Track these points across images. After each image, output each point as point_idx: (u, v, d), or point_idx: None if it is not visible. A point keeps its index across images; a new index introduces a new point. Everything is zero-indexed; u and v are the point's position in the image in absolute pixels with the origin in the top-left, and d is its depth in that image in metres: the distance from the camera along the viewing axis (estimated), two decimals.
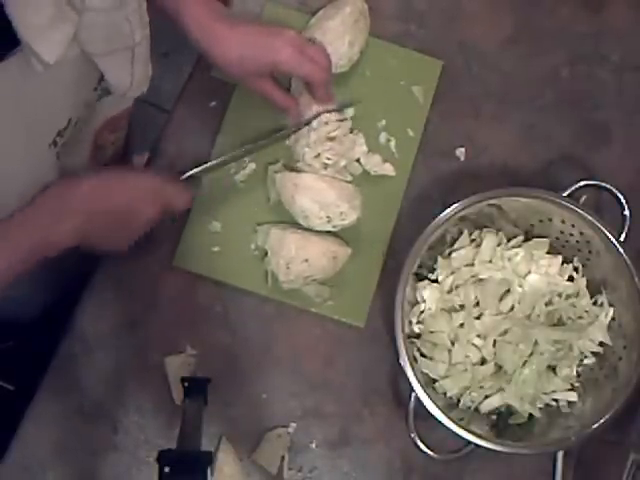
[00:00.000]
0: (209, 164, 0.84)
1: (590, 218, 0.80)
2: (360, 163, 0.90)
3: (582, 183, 0.84)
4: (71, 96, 0.67)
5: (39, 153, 0.67)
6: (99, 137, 0.80)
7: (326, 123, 0.86)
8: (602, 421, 0.77)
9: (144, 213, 0.75)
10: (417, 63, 0.94)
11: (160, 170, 0.87)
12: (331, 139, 0.86)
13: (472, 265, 0.85)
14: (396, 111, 0.92)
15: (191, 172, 0.82)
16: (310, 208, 0.83)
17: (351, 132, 0.89)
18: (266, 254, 0.86)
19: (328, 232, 0.86)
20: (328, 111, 0.86)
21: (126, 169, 0.75)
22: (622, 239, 0.81)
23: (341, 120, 0.87)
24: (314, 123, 0.86)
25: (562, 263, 0.86)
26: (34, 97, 0.61)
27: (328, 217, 0.84)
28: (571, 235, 0.84)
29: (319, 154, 0.85)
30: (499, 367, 0.83)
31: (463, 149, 0.93)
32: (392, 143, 0.91)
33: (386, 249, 0.89)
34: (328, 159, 0.85)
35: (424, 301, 0.84)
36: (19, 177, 0.66)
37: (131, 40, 0.67)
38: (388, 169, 0.90)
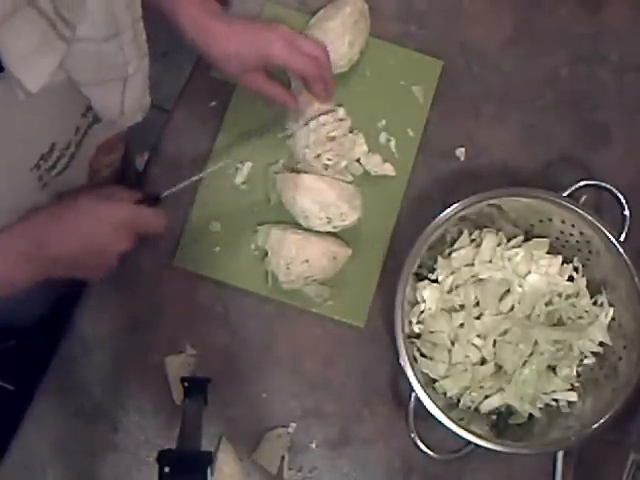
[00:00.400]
0: (189, 180, 0.81)
1: (590, 218, 0.80)
2: (360, 163, 0.90)
3: (582, 183, 0.84)
4: (55, 121, 0.65)
5: (21, 176, 0.66)
6: (94, 161, 0.78)
7: (324, 125, 0.86)
8: (602, 421, 0.77)
9: (116, 247, 0.73)
10: (417, 63, 0.94)
11: (136, 191, 0.80)
12: (331, 139, 0.86)
13: (472, 265, 0.85)
14: (396, 111, 0.92)
15: (171, 190, 0.79)
16: (310, 209, 0.83)
17: (351, 132, 0.89)
18: (266, 254, 0.86)
19: (328, 232, 0.86)
20: (323, 113, 0.86)
21: (95, 199, 0.72)
22: (622, 239, 0.81)
23: (340, 120, 0.87)
24: (312, 124, 0.85)
25: (562, 263, 0.86)
26: (15, 121, 0.59)
27: (328, 218, 0.84)
28: (571, 235, 0.84)
29: (319, 155, 0.85)
30: (499, 367, 0.83)
31: (463, 149, 0.93)
32: (392, 143, 0.91)
33: (386, 249, 0.89)
34: (329, 160, 0.85)
35: (424, 301, 0.84)
36: (4, 196, 0.65)
37: (124, 71, 0.64)
38: (388, 169, 0.90)
